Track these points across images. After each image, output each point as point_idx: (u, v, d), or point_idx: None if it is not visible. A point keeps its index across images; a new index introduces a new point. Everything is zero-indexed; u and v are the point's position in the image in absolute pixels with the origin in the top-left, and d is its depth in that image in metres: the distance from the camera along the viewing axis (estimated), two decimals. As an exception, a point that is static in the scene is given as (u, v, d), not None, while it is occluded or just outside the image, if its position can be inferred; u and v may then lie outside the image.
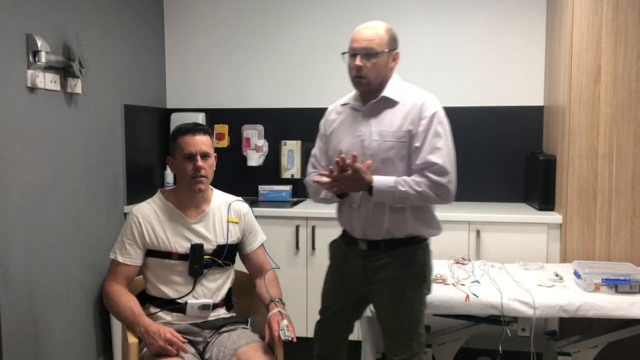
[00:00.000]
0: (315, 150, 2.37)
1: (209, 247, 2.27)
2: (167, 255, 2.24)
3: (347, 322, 2.36)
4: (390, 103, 2.15)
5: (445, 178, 2.06)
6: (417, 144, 2.09)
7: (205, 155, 2.23)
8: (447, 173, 2.07)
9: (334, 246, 2.35)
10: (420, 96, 2.15)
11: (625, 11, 2.99)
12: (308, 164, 2.39)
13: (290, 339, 2.10)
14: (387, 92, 2.15)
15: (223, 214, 2.33)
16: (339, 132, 2.24)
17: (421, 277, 2.20)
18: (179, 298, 2.25)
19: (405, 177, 2.07)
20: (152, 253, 2.25)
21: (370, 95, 2.17)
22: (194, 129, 2.23)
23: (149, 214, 2.26)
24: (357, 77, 2.12)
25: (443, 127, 2.11)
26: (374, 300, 2.25)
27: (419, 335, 2.19)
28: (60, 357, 2.95)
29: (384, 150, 2.11)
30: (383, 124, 2.13)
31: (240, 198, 2.43)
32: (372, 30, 2.12)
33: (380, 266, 2.16)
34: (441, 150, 2.07)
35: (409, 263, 2.17)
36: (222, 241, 2.30)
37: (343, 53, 2.18)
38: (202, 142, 2.22)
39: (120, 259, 2.23)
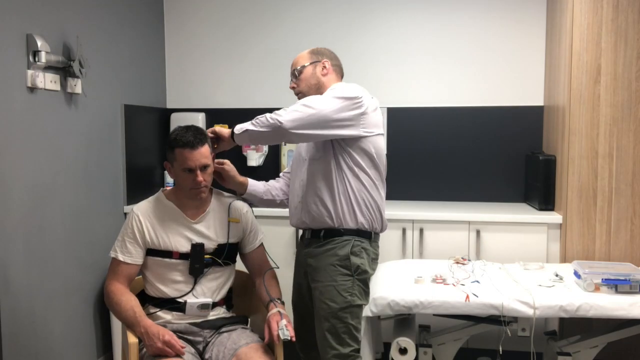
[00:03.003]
0: None
1: (209, 246, 2.27)
2: (168, 254, 2.24)
3: None
4: None
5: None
6: None
7: (204, 167, 2.20)
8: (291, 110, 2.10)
9: None
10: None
11: (625, 11, 2.99)
12: None
13: (289, 338, 2.10)
14: None
15: (223, 214, 2.33)
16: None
17: None
18: (178, 297, 2.25)
19: None
20: (152, 252, 2.25)
21: None
22: (194, 142, 2.15)
23: (150, 213, 2.27)
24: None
25: (331, 93, 2.18)
26: None
27: None
28: (60, 357, 2.95)
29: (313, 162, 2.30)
30: None
31: (240, 197, 2.43)
32: (295, 58, 2.41)
33: None
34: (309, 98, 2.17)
35: None
36: (222, 240, 2.30)
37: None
38: (201, 155, 2.17)
39: (120, 257, 2.23)
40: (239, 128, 2.17)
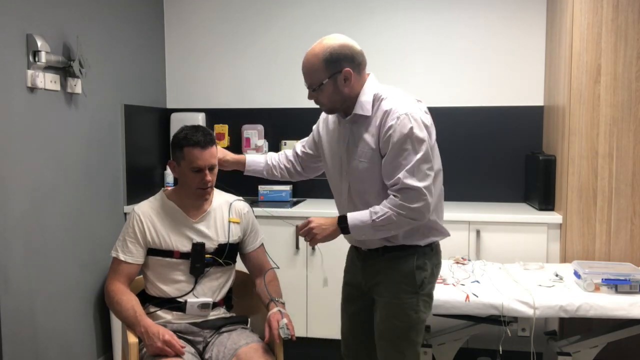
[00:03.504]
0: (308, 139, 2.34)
1: (210, 246, 2.28)
2: (169, 253, 2.24)
3: None
4: (363, 119, 2.00)
5: (419, 202, 1.88)
6: (384, 159, 1.94)
7: (212, 167, 2.22)
8: (423, 195, 1.88)
9: None
10: (389, 102, 1.95)
11: (625, 11, 2.99)
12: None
13: (289, 337, 2.10)
14: (358, 108, 1.99)
15: (224, 214, 2.34)
16: (325, 148, 2.18)
17: None
18: (179, 297, 2.25)
19: (376, 206, 1.92)
20: (153, 252, 2.26)
21: (348, 110, 2.03)
22: (204, 142, 2.16)
23: (151, 213, 2.27)
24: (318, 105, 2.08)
25: (411, 136, 1.88)
26: None
27: None
28: (60, 357, 2.95)
29: (362, 172, 2.00)
30: (358, 143, 2.00)
31: (240, 198, 2.43)
32: (306, 64, 2.04)
33: None
34: (412, 165, 1.88)
35: None
36: (223, 240, 2.30)
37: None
38: (210, 155, 2.18)
39: (122, 257, 2.23)
40: (358, 233, 1.95)
